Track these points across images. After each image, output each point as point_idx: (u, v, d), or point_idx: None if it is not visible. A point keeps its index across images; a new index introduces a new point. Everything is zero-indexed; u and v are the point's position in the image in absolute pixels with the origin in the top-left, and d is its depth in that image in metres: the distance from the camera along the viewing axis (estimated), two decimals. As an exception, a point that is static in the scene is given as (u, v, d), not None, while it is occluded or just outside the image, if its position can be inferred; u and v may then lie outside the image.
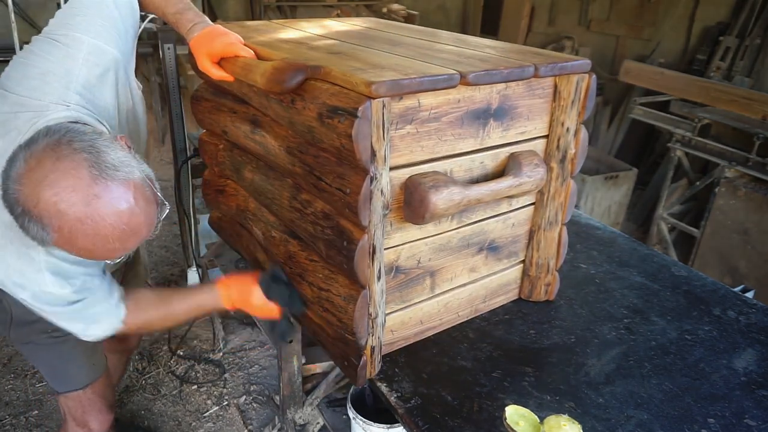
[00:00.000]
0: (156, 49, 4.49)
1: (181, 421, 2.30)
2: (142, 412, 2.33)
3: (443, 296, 1.26)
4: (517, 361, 1.21)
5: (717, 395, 1.13)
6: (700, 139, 3.47)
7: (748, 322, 1.36)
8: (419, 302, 1.22)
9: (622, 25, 5.30)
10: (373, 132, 0.92)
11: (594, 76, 1.21)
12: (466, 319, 1.34)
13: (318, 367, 2.07)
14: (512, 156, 1.19)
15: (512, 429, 1.00)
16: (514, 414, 1.03)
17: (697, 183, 3.61)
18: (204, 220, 2.99)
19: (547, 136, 1.26)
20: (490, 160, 1.18)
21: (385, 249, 1.08)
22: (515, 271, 1.40)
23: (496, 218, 1.27)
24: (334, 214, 1.07)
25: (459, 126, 1.08)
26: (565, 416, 1.02)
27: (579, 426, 1.01)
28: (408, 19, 5.74)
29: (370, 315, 1.09)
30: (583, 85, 1.20)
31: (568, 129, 1.23)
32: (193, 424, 2.29)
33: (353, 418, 1.69)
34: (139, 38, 2.36)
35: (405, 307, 1.20)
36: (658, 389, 1.14)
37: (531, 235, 1.36)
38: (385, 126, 0.94)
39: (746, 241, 3.12)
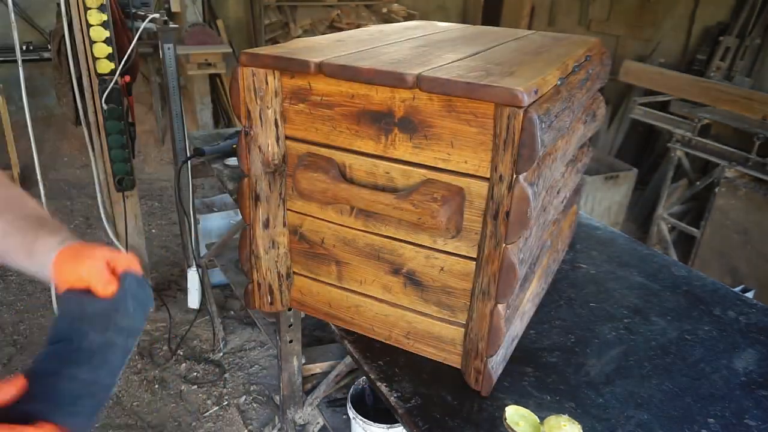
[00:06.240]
0: (156, 49, 4.49)
1: (181, 421, 2.30)
2: (143, 411, 2.33)
3: (352, 295, 1.21)
4: (517, 361, 1.21)
5: (717, 395, 1.13)
6: (700, 139, 3.47)
7: (748, 322, 1.36)
8: (326, 284, 1.23)
9: (622, 25, 5.31)
10: (245, 94, 1.08)
11: (535, 115, 0.86)
12: (384, 340, 1.21)
13: (318, 367, 2.08)
14: (424, 181, 1.02)
15: (512, 429, 1.00)
16: (514, 414, 1.03)
17: (697, 183, 3.61)
18: (204, 220, 2.98)
19: (489, 179, 0.99)
20: (398, 175, 1.05)
21: (288, 209, 1.19)
22: (454, 331, 1.13)
23: (412, 246, 1.10)
24: None
25: (355, 122, 1.05)
26: (565, 416, 1.02)
27: (579, 426, 1.01)
28: (408, 19, 5.75)
29: (252, 250, 1.20)
30: (515, 123, 0.86)
31: (501, 177, 0.96)
32: (193, 424, 2.30)
33: (353, 418, 1.69)
34: (139, 38, 2.38)
35: (313, 279, 1.25)
36: (658, 389, 1.14)
37: (472, 298, 1.09)
38: (257, 92, 1.07)
39: (746, 241, 3.12)
